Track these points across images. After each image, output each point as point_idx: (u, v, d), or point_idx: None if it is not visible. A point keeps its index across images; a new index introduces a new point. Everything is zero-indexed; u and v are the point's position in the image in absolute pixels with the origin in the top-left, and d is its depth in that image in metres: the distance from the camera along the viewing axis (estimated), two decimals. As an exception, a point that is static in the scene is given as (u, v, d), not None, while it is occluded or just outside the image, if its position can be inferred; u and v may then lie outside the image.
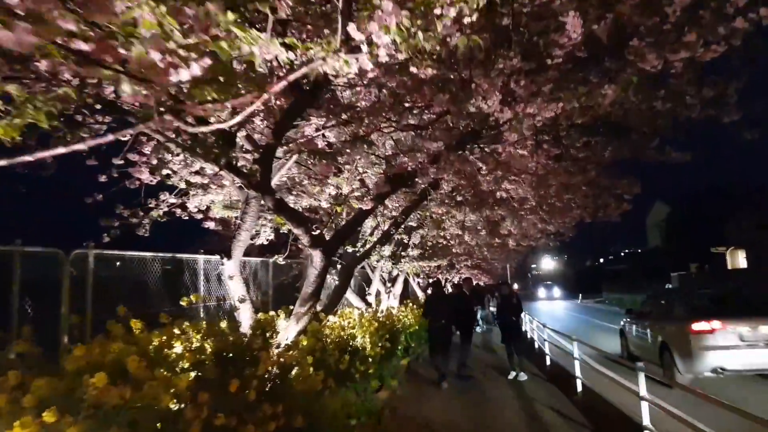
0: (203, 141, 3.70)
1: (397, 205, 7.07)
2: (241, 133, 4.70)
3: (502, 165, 4.94)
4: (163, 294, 6.67)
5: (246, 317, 4.92)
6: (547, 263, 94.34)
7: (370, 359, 7.73)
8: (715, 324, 7.24)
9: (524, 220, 7.58)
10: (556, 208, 6.63)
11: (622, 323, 11.39)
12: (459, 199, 6.28)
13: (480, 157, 4.78)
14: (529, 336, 14.16)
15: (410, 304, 13.39)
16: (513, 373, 9.30)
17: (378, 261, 8.39)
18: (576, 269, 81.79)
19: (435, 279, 13.53)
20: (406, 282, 21.25)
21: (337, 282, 7.64)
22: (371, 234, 8.02)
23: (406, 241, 9.25)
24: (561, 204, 6.44)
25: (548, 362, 10.78)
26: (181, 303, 4.59)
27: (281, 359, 3.96)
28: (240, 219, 4.95)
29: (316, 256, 4.75)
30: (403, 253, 9.89)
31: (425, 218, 7.91)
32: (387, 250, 8.65)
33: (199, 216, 7.08)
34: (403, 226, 7.97)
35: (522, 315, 10.80)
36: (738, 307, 8.17)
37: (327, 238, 5.33)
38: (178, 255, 7.12)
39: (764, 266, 21.27)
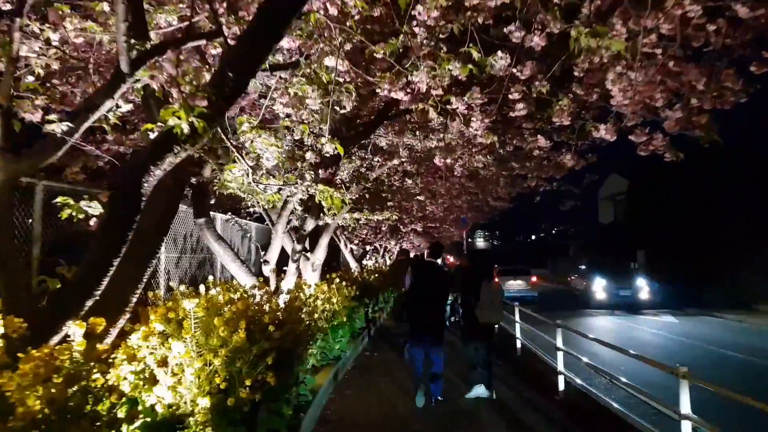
0: None
1: None
2: None
3: None
4: None
5: None
6: (479, 240, 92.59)
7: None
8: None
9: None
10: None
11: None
12: None
13: None
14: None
15: (338, 280, 8.49)
16: (478, 390, 6.17)
17: (257, 178, 3.15)
18: (512, 245, 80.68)
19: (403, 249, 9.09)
20: (336, 250, 16.20)
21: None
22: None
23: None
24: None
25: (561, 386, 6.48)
26: None
27: None
28: None
29: None
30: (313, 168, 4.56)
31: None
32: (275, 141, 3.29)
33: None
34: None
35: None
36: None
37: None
38: None
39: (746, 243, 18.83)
